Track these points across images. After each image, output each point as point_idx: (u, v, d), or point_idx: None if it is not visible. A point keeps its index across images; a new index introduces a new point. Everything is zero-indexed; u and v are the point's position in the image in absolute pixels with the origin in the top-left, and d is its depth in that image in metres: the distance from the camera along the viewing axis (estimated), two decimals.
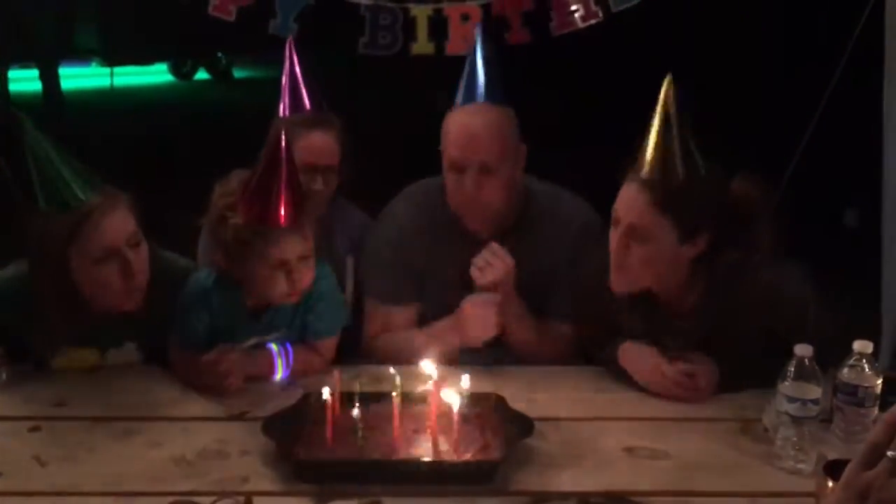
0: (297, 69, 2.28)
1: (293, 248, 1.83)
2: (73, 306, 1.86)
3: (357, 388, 1.73)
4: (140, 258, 1.85)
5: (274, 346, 1.95)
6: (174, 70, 12.95)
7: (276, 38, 2.71)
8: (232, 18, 2.71)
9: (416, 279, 2.15)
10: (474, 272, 1.98)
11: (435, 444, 1.60)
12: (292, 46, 2.31)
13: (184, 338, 1.95)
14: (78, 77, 10.86)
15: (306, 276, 1.88)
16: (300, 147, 2.11)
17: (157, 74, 12.93)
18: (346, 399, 1.69)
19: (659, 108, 1.76)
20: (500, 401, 1.71)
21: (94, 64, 11.78)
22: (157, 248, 1.98)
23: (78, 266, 1.81)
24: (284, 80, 2.28)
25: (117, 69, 11.18)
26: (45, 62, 9.76)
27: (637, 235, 1.79)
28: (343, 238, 2.30)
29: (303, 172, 2.07)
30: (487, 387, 1.79)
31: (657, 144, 1.77)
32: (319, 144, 2.19)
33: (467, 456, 1.57)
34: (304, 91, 2.27)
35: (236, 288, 1.94)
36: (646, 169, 1.78)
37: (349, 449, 1.57)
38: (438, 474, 1.55)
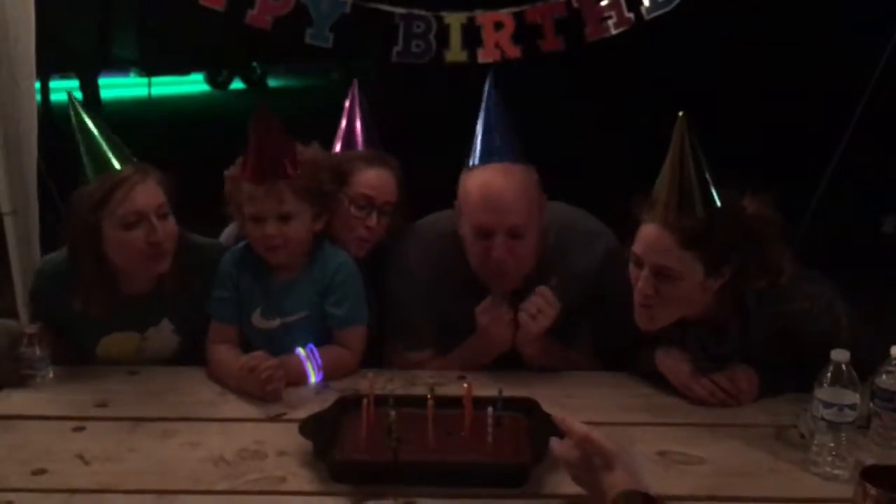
0: (357, 109, 2.28)
1: (265, 205, 1.95)
2: (106, 276, 1.99)
3: (390, 390, 1.74)
4: (166, 229, 1.97)
5: (301, 351, 1.99)
6: (210, 80, 13.14)
7: (311, 47, 2.75)
8: (268, 28, 2.75)
9: (436, 324, 2.12)
10: (524, 319, 1.94)
11: (468, 447, 1.62)
12: (356, 87, 2.33)
13: (215, 312, 2.07)
14: (117, 87, 11.08)
15: (286, 235, 1.97)
16: (358, 181, 2.13)
17: (193, 84, 13.11)
18: (380, 402, 1.71)
19: (673, 147, 1.73)
20: (534, 404, 1.72)
21: (132, 74, 12.00)
22: (187, 232, 2.08)
23: (108, 231, 1.94)
24: (343, 119, 2.28)
25: (155, 79, 11.38)
26: (84, 72, 9.98)
27: (664, 276, 1.76)
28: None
29: (357, 207, 2.12)
30: (521, 391, 1.80)
31: (673, 183, 1.74)
32: (378, 180, 2.15)
33: (500, 459, 1.58)
34: (359, 130, 2.26)
35: (259, 265, 2.04)
36: (664, 210, 1.75)
37: (383, 451, 1.59)
38: (471, 476, 1.56)
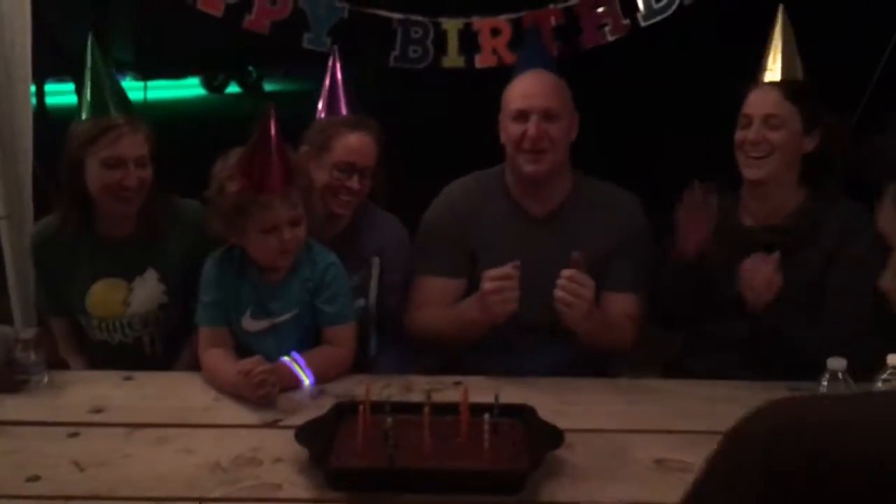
0: (339, 75, 2.36)
1: (283, 213, 1.95)
2: (85, 211, 2.19)
3: (386, 396, 1.74)
4: (141, 176, 2.14)
5: (286, 358, 1.99)
6: (206, 83, 13.13)
7: (307, 51, 2.76)
8: (266, 32, 2.75)
9: (468, 254, 2.25)
10: (562, 307, 1.97)
11: (465, 454, 1.61)
12: (336, 54, 2.41)
13: (204, 318, 2.07)
14: None
15: (298, 238, 1.99)
16: (340, 145, 2.22)
17: (189, 88, 13.10)
18: (376, 408, 1.70)
19: (780, 16, 2.24)
20: (531, 411, 1.72)
21: (128, 77, 11.98)
22: (173, 193, 2.28)
23: (91, 166, 2.13)
24: (326, 83, 2.36)
25: (151, 83, 11.36)
26: (81, 75, 9.96)
27: (772, 124, 2.10)
28: (369, 240, 2.33)
29: (339, 170, 2.21)
30: (518, 397, 1.79)
31: (781, 48, 2.20)
32: (358, 145, 2.24)
33: (497, 466, 1.58)
34: (342, 96, 2.34)
35: (245, 267, 2.05)
36: (774, 69, 2.20)
37: (380, 457, 1.59)
38: (468, 483, 1.55)
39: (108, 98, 2.15)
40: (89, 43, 2.20)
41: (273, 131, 1.92)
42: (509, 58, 2.81)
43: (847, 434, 0.73)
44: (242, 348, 2.05)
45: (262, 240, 1.97)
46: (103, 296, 2.23)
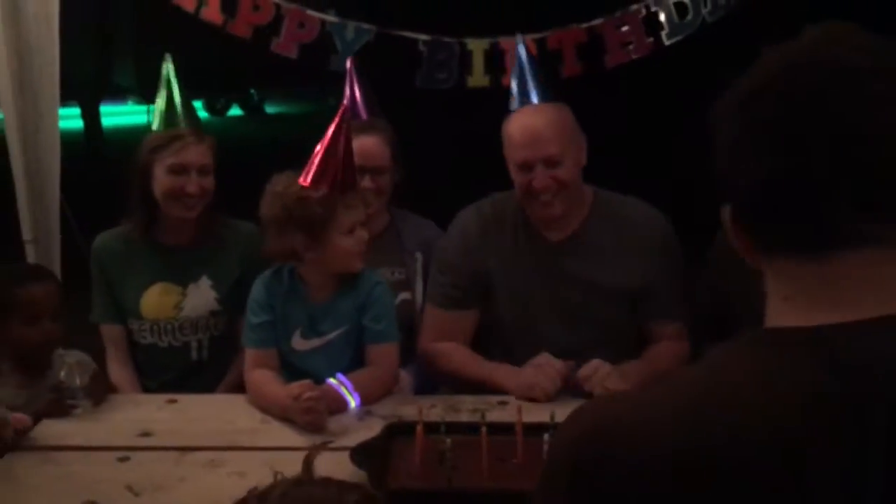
0: (356, 84, 2.47)
1: (362, 211, 2.03)
2: (150, 217, 2.30)
3: (434, 417, 1.74)
4: (202, 184, 2.26)
5: (332, 380, 1.98)
6: (208, 106, 13.17)
7: (307, 74, 2.79)
8: (294, 56, 2.77)
9: (481, 284, 2.21)
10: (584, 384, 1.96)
11: (522, 474, 1.60)
12: (353, 64, 2.51)
13: (253, 339, 2.07)
14: (117, 114, 11.08)
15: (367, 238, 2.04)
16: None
17: None
18: (431, 429, 1.69)
19: None
20: None
21: (130, 102, 12.02)
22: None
23: (157, 172, 2.25)
24: (346, 93, 2.47)
25: (152, 106, 11.40)
26: (86, 100, 10.00)
27: None
28: (410, 237, 2.41)
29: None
30: None
31: None
32: (362, 148, 2.26)
33: None
34: (360, 104, 2.45)
35: (295, 288, 2.07)
36: None
37: (438, 478, 1.58)
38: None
39: (178, 112, 2.31)
40: (165, 63, 2.36)
41: (342, 132, 1.97)
42: None
43: (641, 430, 0.73)
44: (292, 368, 2.05)
45: (343, 242, 1.98)
46: (157, 299, 2.31)
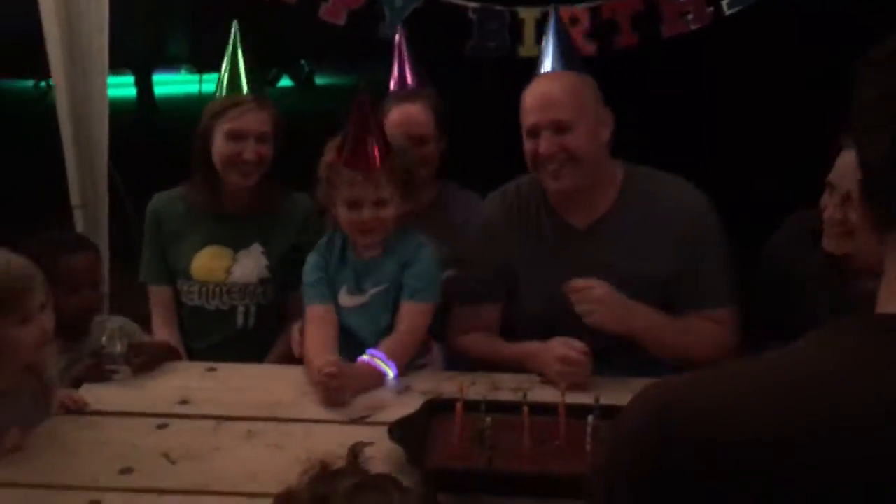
0: (405, 52, 2.45)
1: (365, 191, 1.98)
2: (210, 176, 2.30)
3: (475, 394, 1.70)
4: (259, 151, 2.26)
5: (365, 356, 1.97)
6: None
7: (356, 45, 2.75)
8: (342, 23, 2.72)
9: (505, 275, 2.15)
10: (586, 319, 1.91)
11: (565, 457, 1.55)
12: (402, 34, 2.49)
13: (311, 294, 2.09)
14: (169, 83, 11.20)
15: (380, 219, 2.00)
16: (392, 118, 2.28)
17: None
18: (471, 407, 1.65)
19: None
20: None
21: (183, 71, 12.13)
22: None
23: (216, 137, 2.27)
24: (395, 62, 2.46)
25: (206, 76, 11.49)
26: (139, 70, 10.12)
27: (854, 201, 1.79)
28: (455, 211, 2.38)
29: (395, 140, 2.21)
30: (620, 398, 1.72)
31: None
32: (403, 116, 2.29)
33: None
34: (407, 72, 2.43)
35: (345, 251, 2.10)
36: None
37: (477, 458, 1.53)
38: (569, 489, 1.49)
39: (242, 79, 2.31)
40: (233, 31, 2.35)
41: (365, 114, 1.97)
42: (586, 48, 2.74)
43: (728, 413, 0.69)
44: (341, 326, 2.07)
45: (345, 213, 2.01)
46: (208, 261, 2.33)
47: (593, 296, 1.90)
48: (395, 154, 2.01)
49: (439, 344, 2.22)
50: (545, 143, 1.99)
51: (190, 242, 2.34)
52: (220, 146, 2.26)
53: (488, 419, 1.56)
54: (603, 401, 1.64)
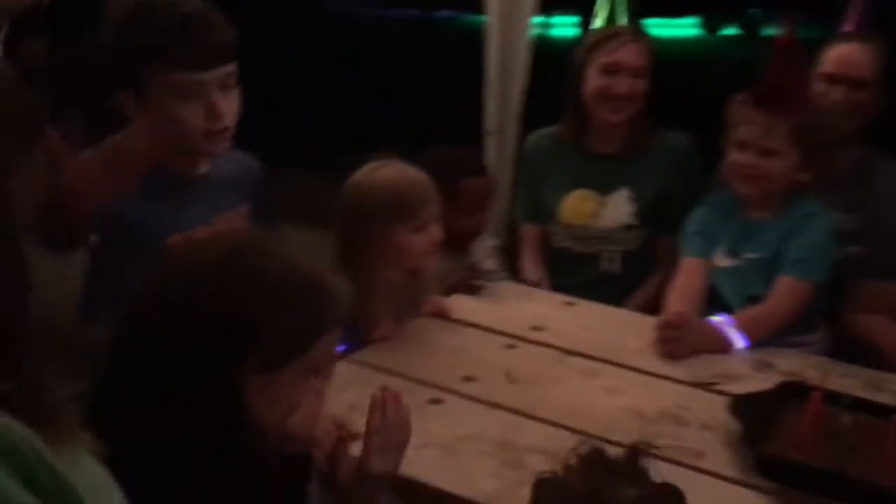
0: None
1: (753, 135, 1.88)
2: (580, 120, 2.32)
3: (841, 387, 1.51)
4: (636, 86, 2.23)
5: (715, 318, 1.84)
6: (706, 24, 12.87)
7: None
8: None
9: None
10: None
11: None
12: None
13: (688, 245, 2.02)
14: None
15: (767, 169, 1.87)
16: (830, 56, 2.10)
17: (683, 28, 12.99)
18: (832, 399, 1.44)
19: None
20: None
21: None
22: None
23: (590, 73, 2.25)
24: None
25: (647, 21, 11.46)
26: (583, 12, 10.40)
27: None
28: (878, 180, 2.12)
29: (824, 82, 2.08)
30: None
31: None
32: (850, 54, 2.09)
33: None
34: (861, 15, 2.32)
35: (731, 209, 1.99)
36: None
37: (827, 457, 1.34)
38: None
39: (618, 12, 2.33)
40: None
41: (783, 54, 1.83)
42: None
43: None
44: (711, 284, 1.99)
45: (733, 153, 1.91)
46: (576, 205, 2.32)
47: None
48: (810, 114, 1.84)
49: (828, 326, 2.00)
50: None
51: (560, 184, 2.34)
52: (593, 80, 2.22)
53: (849, 417, 1.35)
54: None
